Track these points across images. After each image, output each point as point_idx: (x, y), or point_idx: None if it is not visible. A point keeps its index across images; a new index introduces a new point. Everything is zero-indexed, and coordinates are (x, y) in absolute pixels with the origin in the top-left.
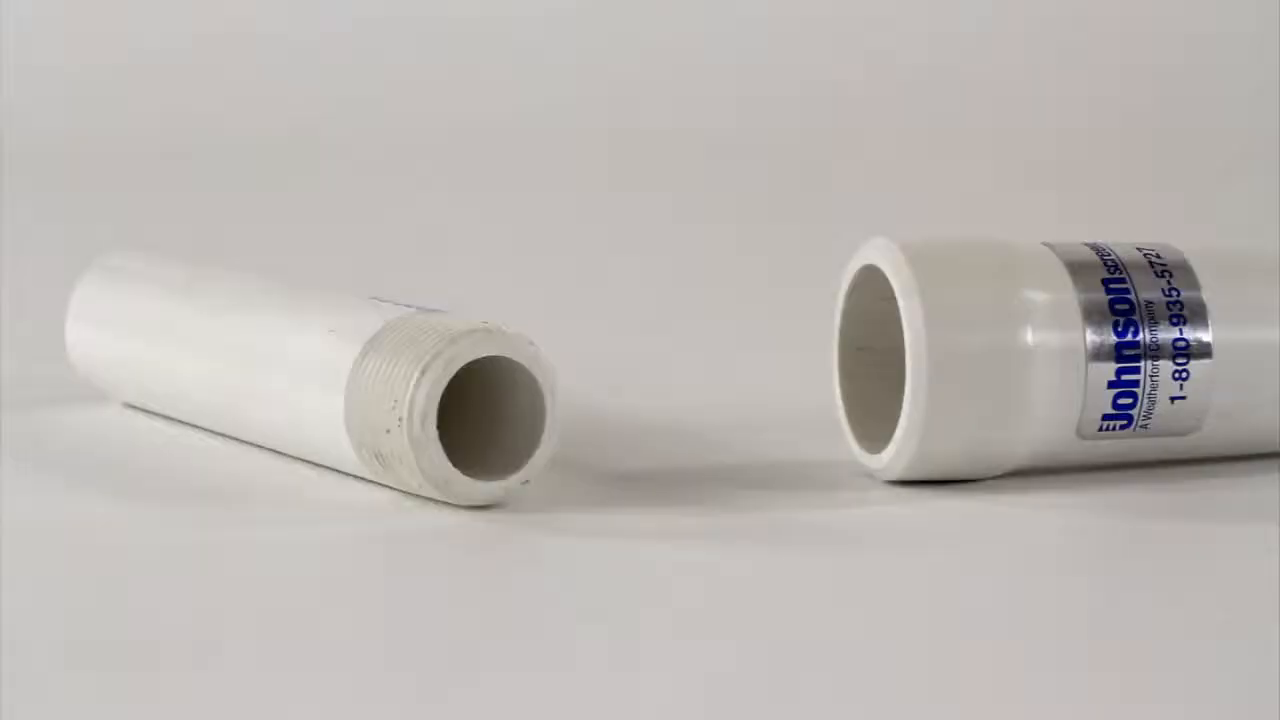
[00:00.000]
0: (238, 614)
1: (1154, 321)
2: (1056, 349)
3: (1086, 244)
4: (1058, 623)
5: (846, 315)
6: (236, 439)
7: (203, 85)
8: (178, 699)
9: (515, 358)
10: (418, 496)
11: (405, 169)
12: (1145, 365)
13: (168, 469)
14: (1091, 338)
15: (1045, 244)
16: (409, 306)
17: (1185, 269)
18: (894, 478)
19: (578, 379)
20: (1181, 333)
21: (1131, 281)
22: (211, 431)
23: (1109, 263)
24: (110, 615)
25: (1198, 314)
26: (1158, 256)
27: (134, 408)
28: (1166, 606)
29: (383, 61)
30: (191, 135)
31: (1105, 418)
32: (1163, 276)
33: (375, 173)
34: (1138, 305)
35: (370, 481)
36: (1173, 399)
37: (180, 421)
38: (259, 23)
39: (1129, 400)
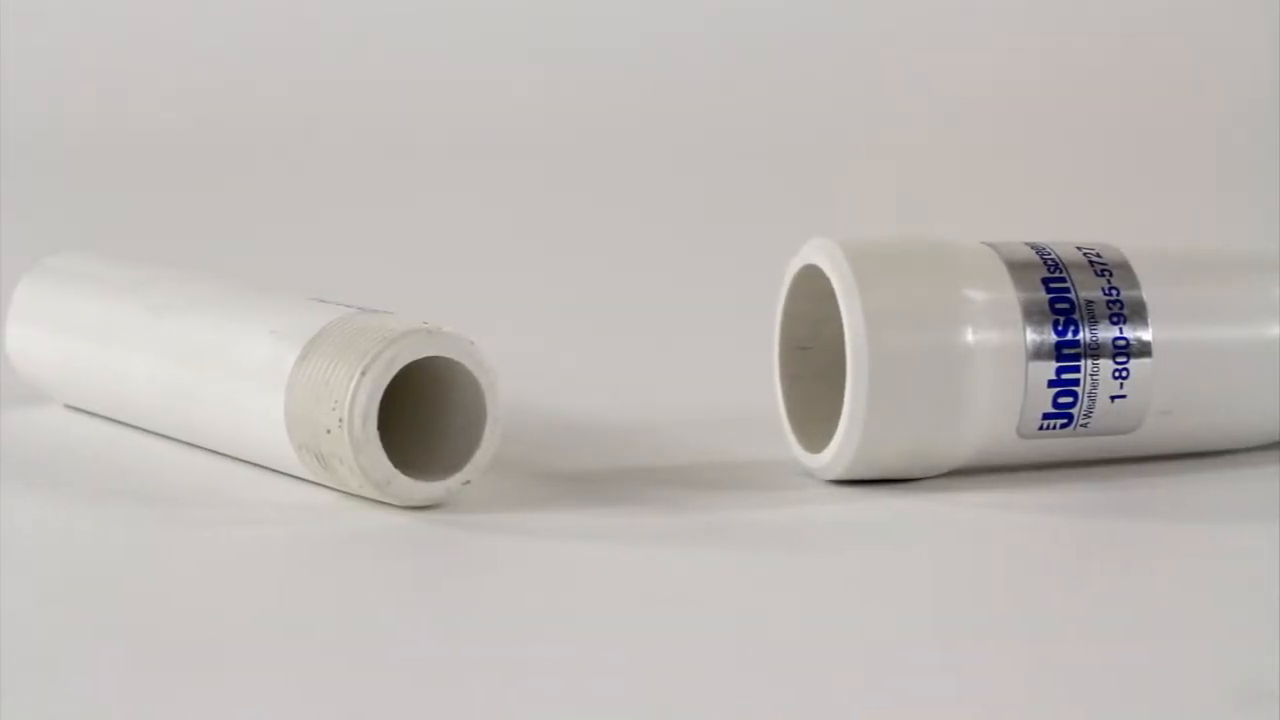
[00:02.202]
0: (175, 615)
1: (1094, 320)
2: (997, 348)
3: (1027, 244)
4: (999, 621)
5: (787, 315)
6: (178, 440)
7: (140, 86)
8: (116, 700)
9: (456, 358)
10: (358, 497)
11: (346, 171)
12: (1085, 364)
13: (108, 470)
14: (1032, 337)
15: (986, 243)
16: (350, 307)
17: (1125, 268)
18: (835, 477)
19: (519, 379)
20: (1121, 332)
21: (1072, 281)
22: (153, 432)
23: (1049, 262)
24: (47, 617)
25: (1138, 313)
26: (1098, 256)
27: (75, 409)
28: (1107, 605)
29: (323, 62)
30: (131, 136)
31: (1046, 416)
32: (1103, 276)
33: (315, 174)
34: (1078, 304)
35: (311, 482)
36: (1113, 398)
37: (121, 423)
38: (204, 23)
39: (1069, 399)
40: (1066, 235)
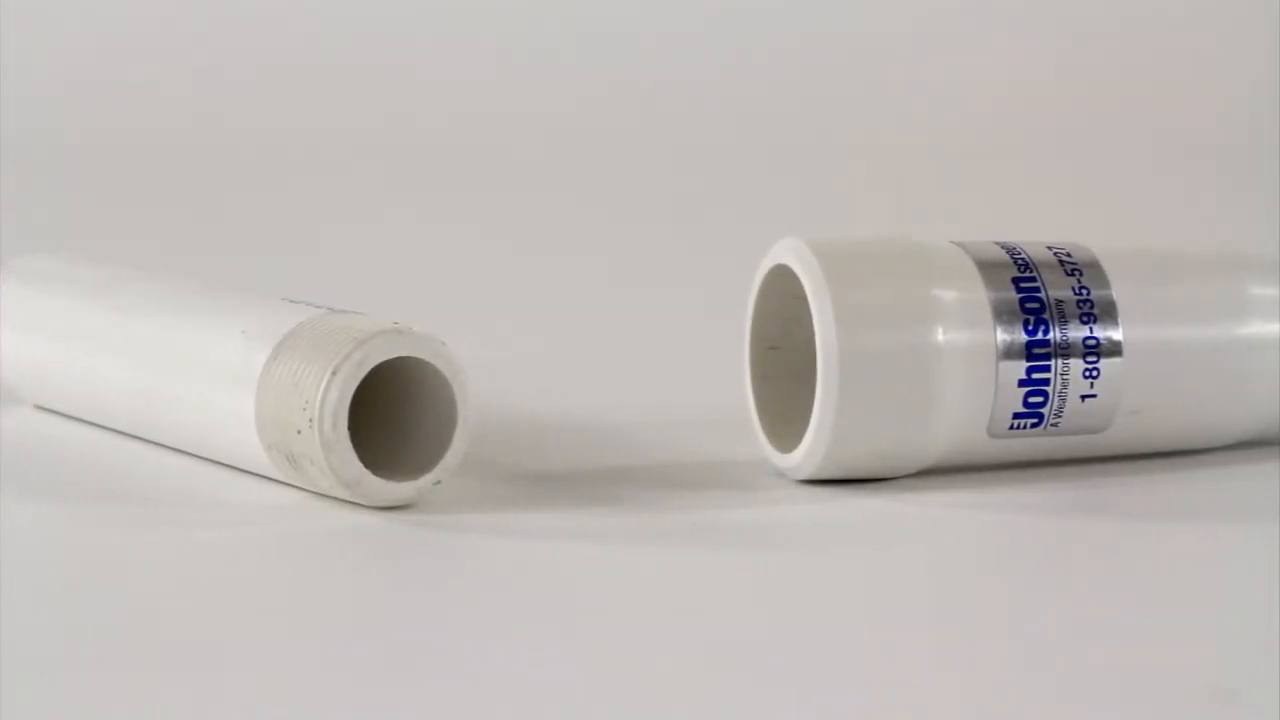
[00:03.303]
0: (144, 615)
1: (1064, 320)
2: (967, 348)
3: (997, 243)
4: (970, 620)
5: (758, 314)
6: (148, 440)
7: (106, 87)
8: (85, 699)
9: (426, 358)
10: (329, 497)
11: (317, 171)
12: (1056, 364)
13: (78, 471)
14: (1002, 336)
15: (956, 243)
16: (321, 307)
17: (1095, 268)
18: (805, 477)
19: (490, 379)
20: (1092, 331)
21: (1042, 280)
22: (123, 433)
23: (1019, 261)
24: (17, 617)
25: (1108, 312)
26: (1068, 255)
27: (45, 410)
28: (1077, 604)
29: (291, 62)
30: (99, 138)
31: (1016, 416)
32: (1073, 275)
33: (286, 174)
34: (1048, 304)
35: (282, 482)
36: (1083, 397)
37: (92, 423)
38: (169, 23)
39: (1040, 399)
40: (1043, 236)
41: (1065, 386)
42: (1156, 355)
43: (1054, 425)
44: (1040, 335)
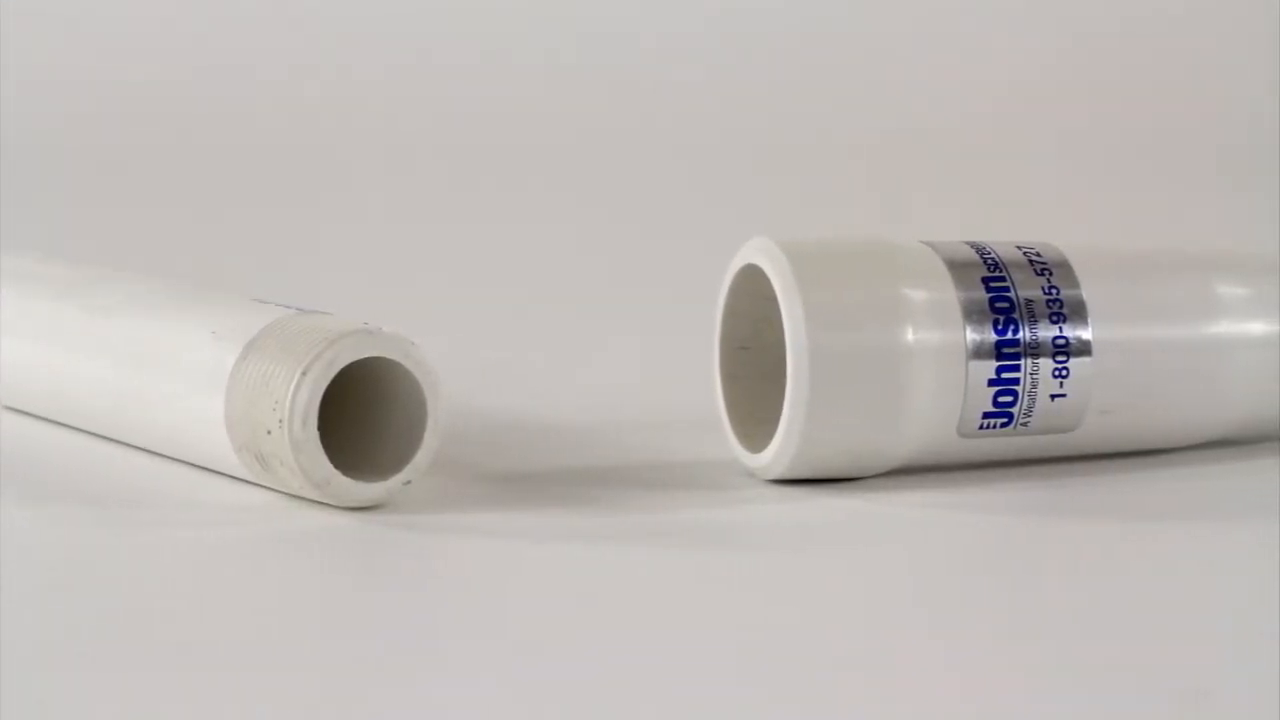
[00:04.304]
0: (112, 616)
1: (1034, 319)
2: (937, 347)
3: (966, 243)
4: (939, 620)
5: (728, 314)
6: (117, 441)
7: (79, 86)
8: (51, 700)
9: (396, 358)
10: (298, 498)
11: (286, 172)
12: (1025, 363)
13: (48, 471)
14: (972, 336)
15: (925, 243)
16: (290, 308)
17: (1065, 267)
18: (775, 476)
19: (460, 379)
20: (1061, 330)
21: (1011, 280)
22: (93, 434)
23: (989, 261)
24: None
25: (1077, 312)
26: (1037, 255)
27: (14, 410)
28: (1047, 604)
29: (258, 61)
30: (69, 137)
31: (986, 416)
32: (1043, 275)
33: (255, 176)
34: (1018, 304)
35: (251, 483)
36: (1053, 397)
37: (61, 424)
38: (137, 22)
39: (1009, 398)
40: (1007, 235)
41: (1035, 386)
42: (1126, 355)
43: (1024, 425)
44: (1010, 335)
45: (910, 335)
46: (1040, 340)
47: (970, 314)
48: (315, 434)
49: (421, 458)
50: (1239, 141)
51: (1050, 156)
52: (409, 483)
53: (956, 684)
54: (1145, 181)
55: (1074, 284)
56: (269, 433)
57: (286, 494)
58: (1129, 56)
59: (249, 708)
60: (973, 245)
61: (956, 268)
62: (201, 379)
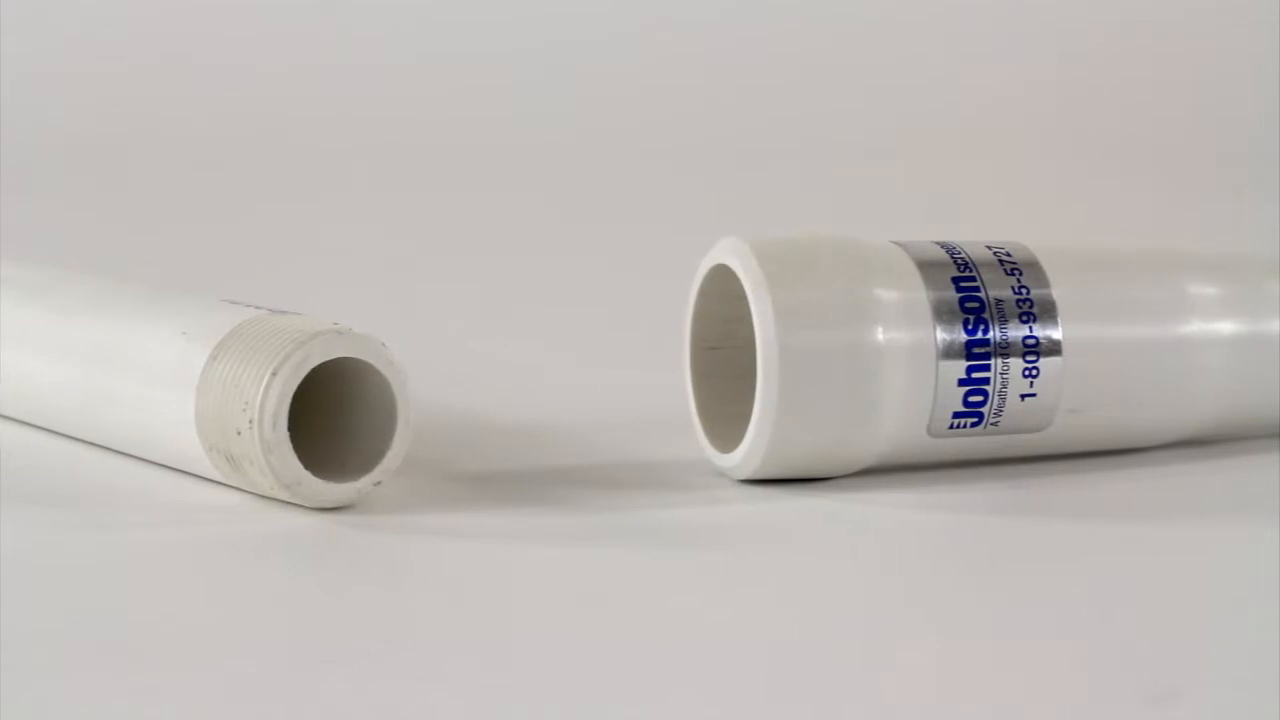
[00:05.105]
0: (81, 617)
1: (1004, 319)
2: (907, 347)
3: (936, 243)
4: (909, 619)
5: (698, 314)
6: (88, 442)
7: (48, 85)
8: (17, 702)
9: (366, 359)
10: (268, 498)
11: (256, 171)
12: (995, 363)
13: (17, 472)
14: (942, 336)
15: (895, 242)
16: (260, 308)
17: (1035, 267)
18: (746, 476)
19: (430, 380)
20: (1031, 330)
21: (981, 280)
22: (62, 434)
23: (959, 261)
24: None
25: (1047, 312)
26: (1007, 255)
27: None
28: (1016, 603)
29: (228, 62)
30: (38, 136)
31: (956, 415)
32: (1013, 275)
33: (226, 174)
34: (988, 303)
35: (221, 484)
36: (1023, 396)
37: (30, 424)
38: (103, 22)
39: (979, 398)
40: (976, 234)
41: (1005, 386)
42: (1096, 354)
43: (994, 424)
44: (980, 335)
45: (880, 335)
46: (1010, 340)
47: (940, 314)
48: (285, 435)
49: (392, 458)
50: (1218, 141)
51: (1022, 156)
52: (379, 483)
53: (929, 682)
54: (1118, 181)
55: (1044, 284)
56: (239, 433)
57: (256, 494)
58: (1106, 53)
59: (216, 707)
60: (943, 245)
61: (926, 267)
62: (171, 379)
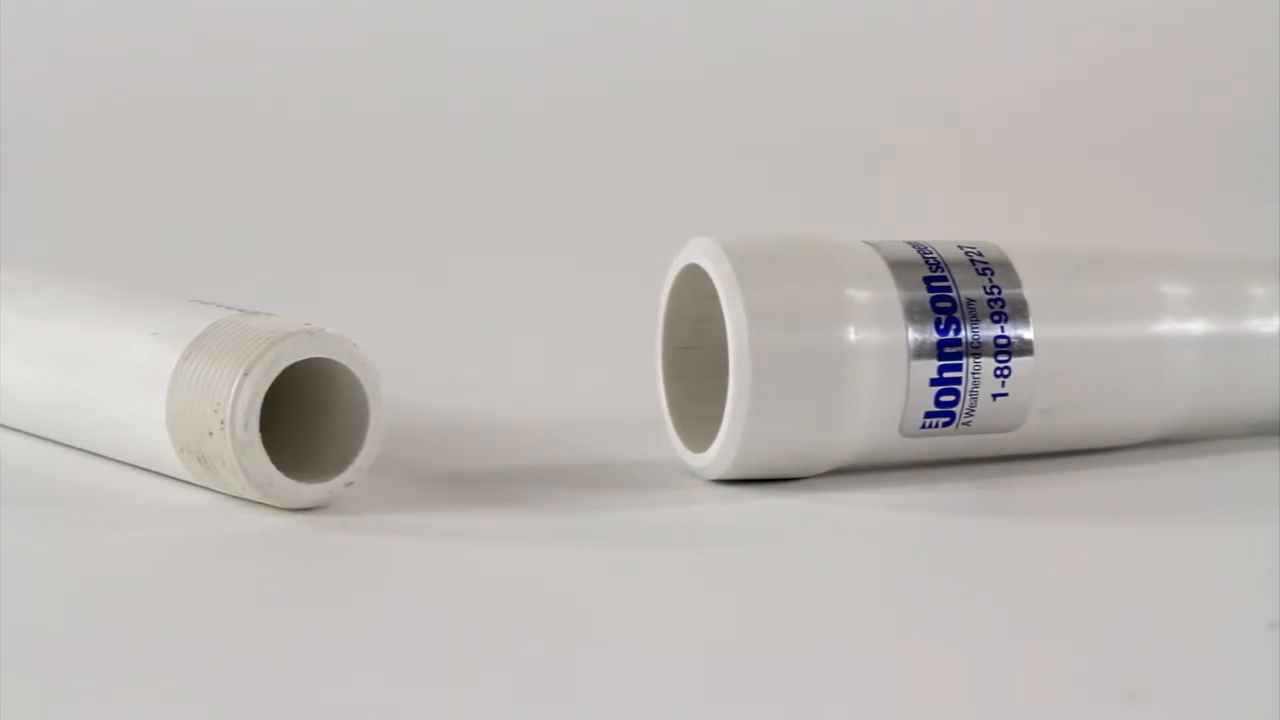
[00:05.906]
0: (53, 618)
1: (976, 319)
2: (879, 347)
3: (908, 242)
4: (881, 619)
5: (670, 314)
6: (58, 442)
7: (19, 85)
8: None
9: (338, 359)
10: (240, 499)
11: (230, 172)
12: (967, 363)
13: None
14: (913, 335)
15: (867, 242)
16: (232, 309)
17: (1007, 267)
18: (718, 476)
19: (402, 380)
20: (1003, 330)
21: (953, 279)
22: (33, 435)
23: (930, 261)
24: None
25: (1019, 311)
26: (979, 255)
27: None
28: (988, 603)
29: (206, 62)
30: (10, 137)
31: (928, 415)
32: (984, 274)
33: (195, 175)
34: (959, 303)
35: (193, 484)
36: (995, 396)
37: (2, 425)
38: (78, 22)
39: (951, 398)
40: (948, 234)
41: (977, 385)
42: (1068, 354)
43: (966, 424)
44: (952, 334)
45: (852, 335)
46: (982, 340)
47: (912, 313)
48: (257, 435)
49: (364, 459)
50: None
51: (997, 157)
52: (351, 484)
53: (901, 682)
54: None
55: (1016, 283)
56: (211, 434)
57: (228, 495)
58: (1092, 53)
59: (188, 708)
60: (914, 245)
61: (898, 267)
62: (143, 380)
